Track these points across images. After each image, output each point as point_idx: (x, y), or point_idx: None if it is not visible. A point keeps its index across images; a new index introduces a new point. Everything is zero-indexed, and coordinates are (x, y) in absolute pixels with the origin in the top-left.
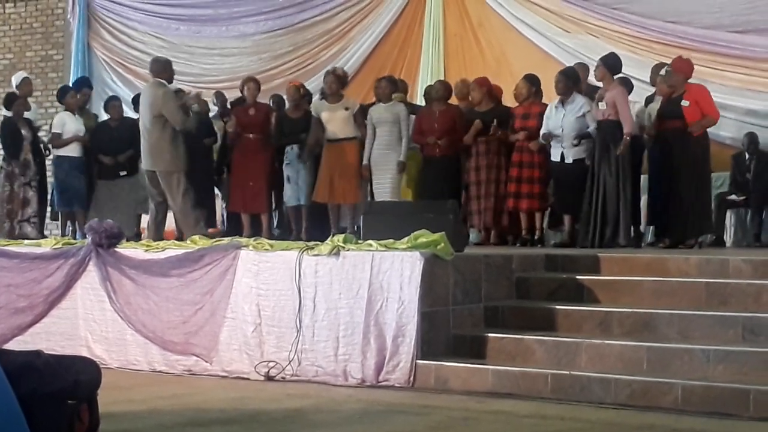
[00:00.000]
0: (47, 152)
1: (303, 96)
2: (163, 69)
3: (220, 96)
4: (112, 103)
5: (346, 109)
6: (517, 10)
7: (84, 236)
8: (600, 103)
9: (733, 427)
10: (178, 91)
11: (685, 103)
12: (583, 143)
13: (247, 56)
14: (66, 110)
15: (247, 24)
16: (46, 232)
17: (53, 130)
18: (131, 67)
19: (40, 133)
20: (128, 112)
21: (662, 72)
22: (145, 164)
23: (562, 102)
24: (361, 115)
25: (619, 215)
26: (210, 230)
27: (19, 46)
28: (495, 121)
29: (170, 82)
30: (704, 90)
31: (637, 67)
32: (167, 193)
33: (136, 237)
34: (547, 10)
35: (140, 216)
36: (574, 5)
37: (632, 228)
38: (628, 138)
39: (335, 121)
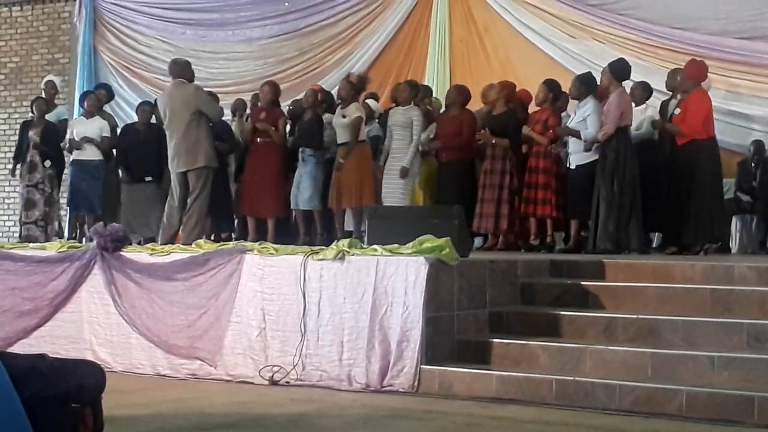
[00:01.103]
0: (46, 161)
1: (321, 102)
2: (182, 70)
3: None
4: (142, 107)
5: (344, 116)
6: (523, 16)
7: (89, 240)
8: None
9: None
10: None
11: (677, 110)
12: (587, 148)
13: (253, 60)
14: (82, 114)
15: (253, 28)
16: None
17: (67, 135)
18: (137, 71)
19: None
20: (133, 116)
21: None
22: (179, 166)
23: (577, 107)
24: (356, 123)
25: (620, 221)
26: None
27: (26, 50)
28: (486, 129)
29: (190, 82)
30: (701, 99)
31: (643, 73)
32: (195, 191)
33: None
34: (553, 16)
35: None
36: (581, 11)
37: (639, 234)
38: (593, 140)
39: (338, 128)
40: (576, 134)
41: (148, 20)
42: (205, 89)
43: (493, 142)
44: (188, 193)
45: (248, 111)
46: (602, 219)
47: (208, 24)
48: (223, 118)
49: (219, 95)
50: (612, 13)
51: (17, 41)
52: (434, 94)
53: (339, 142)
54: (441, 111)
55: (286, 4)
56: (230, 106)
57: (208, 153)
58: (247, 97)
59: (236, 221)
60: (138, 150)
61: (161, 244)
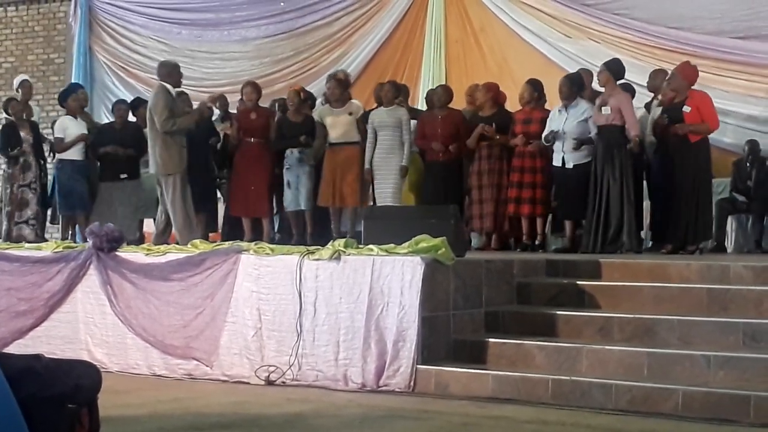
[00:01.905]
0: (51, 155)
1: (304, 100)
2: (168, 73)
3: (222, 99)
4: (118, 106)
5: (350, 114)
6: (518, 16)
7: (85, 240)
8: (603, 108)
9: None
10: (181, 94)
11: (686, 108)
12: (584, 148)
13: (248, 60)
14: (67, 114)
15: (248, 28)
16: (46, 236)
17: (56, 135)
18: (133, 71)
19: (45, 134)
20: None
21: (668, 77)
22: (149, 168)
23: (566, 106)
24: (362, 119)
25: (623, 220)
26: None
27: (21, 50)
28: (493, 125)
29: (177, 86)
30: (706, 97)
31: (638, 73)
32: (166, 195)
33: (138, 241)
34: (549, 16)
35: (142, 220)
36: (576, 11)
37: (637, 233)
38: (637, 138)
39: (339, 126)
40: (588, 141)
41: (144, 20)
42: (209, 101)
43: (497, 137)
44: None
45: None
46: (626, 221)
47: (203, 24)
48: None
49: (220, 94)
50: (608, 12)
51: (12, 41)
52: None
53: (337, 141)
54: (424, 110)
55: (282, 4)
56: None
57: (157, 161)
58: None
59: (222, 222)
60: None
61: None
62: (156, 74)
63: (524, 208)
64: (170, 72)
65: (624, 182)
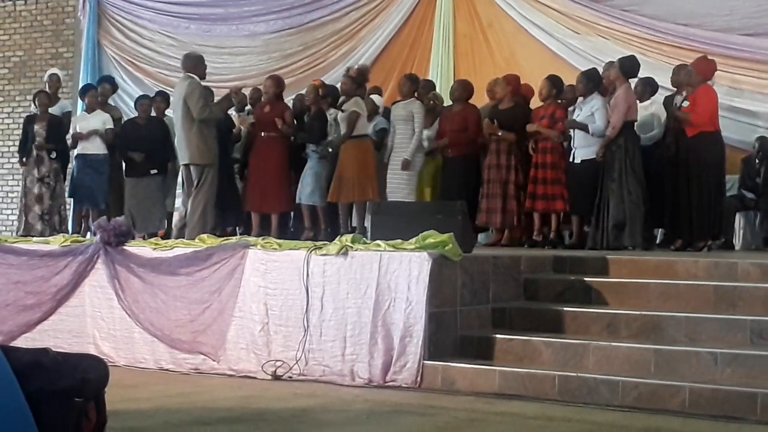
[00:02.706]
0: (52, 153)
1: (323, 96)
2: (194, 65)
3: (239, 94)
4: (141, 101)
5: (343, 111)
6: (527, 12)
7: (93, 234)
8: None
9: (741, 430)
10: (206, 89)
11: (685, 103)
12: (593, 143)
13: (256, 55)
14: (85, 109)
15: (257, 23)
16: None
17: (70, 131)
18: (141, 65)
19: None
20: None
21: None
22: (179, 158)
23: (582, 103)
24: (352, 117)
25: (626, 217)
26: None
27: (30, 44)
28: (495, 121)
29: (202, 78)
30: (707, 92)
31: (647, 70)
32: (195, 185)
33: (167, 235)
34: (558, 12)
35: (171, 213)
36: (585, 7)
37: (643, 230)
38: (603, 141)
39: (341, 122)
40: (584, 127)
41: (152, 14)
42: (233, 94)
43: (499, 134)
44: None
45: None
46: (629, 218)
47: (212, 18)
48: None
49: (237, 88)
50: (616, 9)
51: (21, 35)
52: (437, 89)
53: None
54: (445, 106)
55: None
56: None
57: (193, 151)
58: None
59: (242, 216)
60: (140, 144)
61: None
62: (181, 66)
63: (539, 204)
64: (196, 64)
65: (624, 179)
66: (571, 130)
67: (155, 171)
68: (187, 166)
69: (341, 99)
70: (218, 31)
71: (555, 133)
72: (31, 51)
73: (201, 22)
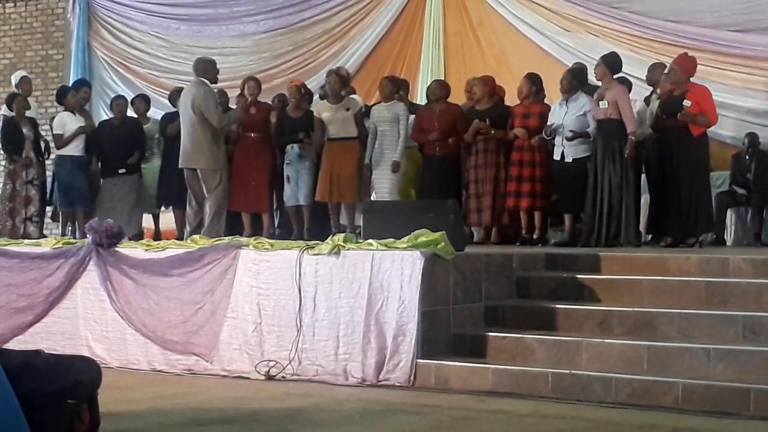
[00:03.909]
0: (46, 154)
1: (304, 95)
2: (205, 69)
3: (222, 95)
4: (117, 101)
5: (347, 109)
6: (516, 9)
7: (84, 236)
8: (601, 102)
9: (734, 426)
10: (220, 92)
11: (687, 102)
12: (583, 142)
13: (247, 56)
14: (66, 110)
15: (247, 23)
16: (46, 232)
17: (54, 131)
18: (131, 66)
19: (42, 132)
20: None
21: (666, 70)
22: (184, 162)
23: (566, 100)
24: (360, 115)
25: (622, 214)
26: None
27: (19, 46)
28: (486, 120)
29: (214, 82)
30: (706, 91)
31: (637, 66)
32: (207, 189)
33: (138, 237)
34: (547, 9)
35: (141, 216)
36: (574, 4)
37: (636, 227)
38: (633, 138)
39: (337, 122)
40: (585, 134)
41: (142, 16)
42: (216, 95)
43: (492, 132)
44: (199, 189)
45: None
46: (625, 215)
47: (201, 19)
48: None
49: (220, 90)
50: (606, 6)
51: (11, 37)
52: None
53: (334, 136)
54: (422, 104)
55: None
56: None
57: (208, 156)
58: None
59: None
60: (113, 144)
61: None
62: (193, 70)
63: (523, 202)
64: (207, 68)
65: (624, 176)
66: (561, 127)
67: (123, 171)
68: (193, 170)
69: (316, 98)
70: (208, 32)
71: (540, 140)
72: (20, 53)
73: (191, 23)
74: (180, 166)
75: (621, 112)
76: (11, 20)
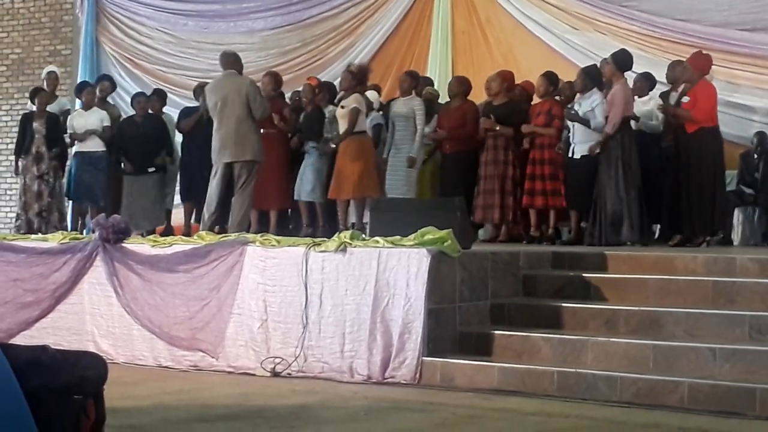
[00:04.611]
0: (52, 150)
1: (319, 93)
2: (234, 61)
3: None
4: (138, 99)
5: (342, 107)
6: (525, 7)
7: (91, 231)
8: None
9: (740, 425)
10: None
11: (685, 98)
12: (592, 139)
13: (254, 52)
14: (81, 107)
15: (255, 20)
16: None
17: (68, 128)
18: (139, 62)
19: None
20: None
21: (682, 68)
22: (224, 156)
23: (581, 99)
24: (353, 113)
25: (623, 213)
26: None
27: (28, 41)
28: (491, 116)
29: (240, 74)
30: (707, 88)
31: (646, 65)
32: (241, 183)
33: (167, 232)
34: (556, 7)
35: (170, 210)
36: (583, 2)
37: (641, 225)
38: (601, 139)
39: (340, 118)
40: (585, 122)
41: (150, 11)
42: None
43: (497, 128)
44: (231, 183)
45: None
46: (626, 213)
47: (209, 15)
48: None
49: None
50: (614, 4)
51: (19, 32)
52: (436, 86)
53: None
54: (443, 102)
55: None
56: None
57: (255, 147)
58: None
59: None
60: (138, 141)
61: (202, 230)
62: (220, 64)
63: (537, 200)
64: (236, 60)
65: (621, 175)
66: (571, 126)
67: (152, 169)
68: (230, 164)
69: (339, 95)
70: (216, 28)
71: (552, 131)
72: (29, 48)
73: (199, 19)
74: (224, 160)
75: (609, 102)
76: (20, 15)
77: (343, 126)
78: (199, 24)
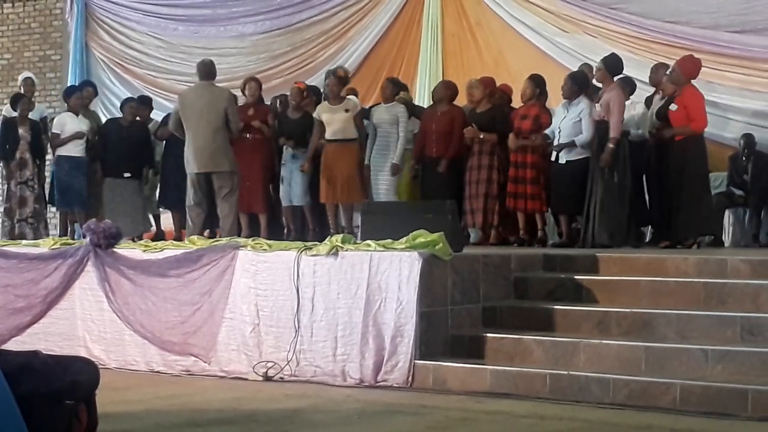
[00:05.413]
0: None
1: (306, 97)
2: (210, 71)
3: None
4: (129, 104)
5: (347, 110)
6: (515, 10)
7: (82, 236)
8: (597, 105)
9: (732, 426)
10: None
11: (673, 106)
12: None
13: (245, 56)
14: (68, 111)
15: (245, 24)
16: (52, 233)
17: (53, 131)
18: (129, 67)
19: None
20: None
21: (668, 71)
22: (205, 166)
23: (568, 104)
24: (360, 116)
25: (612, 216)
26: None
27: (17, 47)
28: (473, 125)
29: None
30: (696, 95)
31: (635, 67)
32: (221, 194)
33: (159, 236)
34: (545, 10)
35: (158, 215)
36: (572, 5)
37: (631, 229)
38: (611, 145)
39: (335, 123)
40: (571, 144)
41: (140, 16)
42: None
43: (481, 137)
44: (209, 193)
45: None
46: (615, 217)
47: (199, 20)
48: None
49: None
50: (604, 7)
51: (9, 38)
52: (426, 89)
53: (333, 137)
54: (426, 106)
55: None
56: None
57: (231, 158)
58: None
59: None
60: (120, 145)
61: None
62: (197, 73)
63: (521, 203)
64: (212, 70)
65: (614, 178)
66: (556, 132)
67: (128, 174)
68: (206, 175)
69: (324, 99)
70: (206, 33)
71: (539, 140)
72: (18, 54)
73: (189, 24)
74: (199, 170)
75: (609, 116)
76: (9, 21)
77: (344, 130)
78: (189, 29)
